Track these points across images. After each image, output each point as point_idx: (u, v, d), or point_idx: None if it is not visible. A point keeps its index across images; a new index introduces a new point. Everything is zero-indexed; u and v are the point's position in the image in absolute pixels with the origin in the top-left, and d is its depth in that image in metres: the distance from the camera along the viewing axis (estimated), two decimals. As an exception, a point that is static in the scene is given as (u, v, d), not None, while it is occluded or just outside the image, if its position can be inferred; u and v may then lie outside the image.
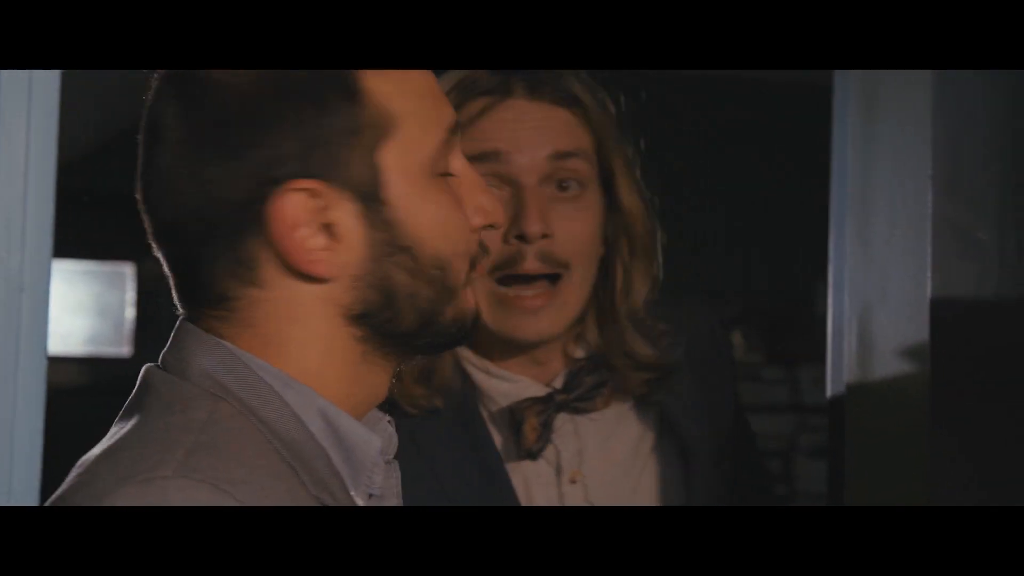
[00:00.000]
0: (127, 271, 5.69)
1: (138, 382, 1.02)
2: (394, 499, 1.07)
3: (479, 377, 1.42)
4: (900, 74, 1.45)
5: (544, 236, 1.35)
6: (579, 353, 1.46)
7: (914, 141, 1.42)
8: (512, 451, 1.41)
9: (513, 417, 1.40)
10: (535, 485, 1.41)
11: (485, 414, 1.43)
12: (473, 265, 1.05)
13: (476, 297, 1.20)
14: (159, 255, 1.03)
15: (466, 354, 1.43)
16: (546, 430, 1.40)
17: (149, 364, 1.03)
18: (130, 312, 5.72)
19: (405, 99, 1.00)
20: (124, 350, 5.68)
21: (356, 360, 1.01)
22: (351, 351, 1.01)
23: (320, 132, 0.97)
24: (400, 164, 1.00)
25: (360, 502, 1.01)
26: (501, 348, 1.42)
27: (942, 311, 1.34)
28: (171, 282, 1.03)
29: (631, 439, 1.47)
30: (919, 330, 1.37)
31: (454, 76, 1.40)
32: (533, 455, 1.40)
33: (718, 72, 4.75)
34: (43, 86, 0.72)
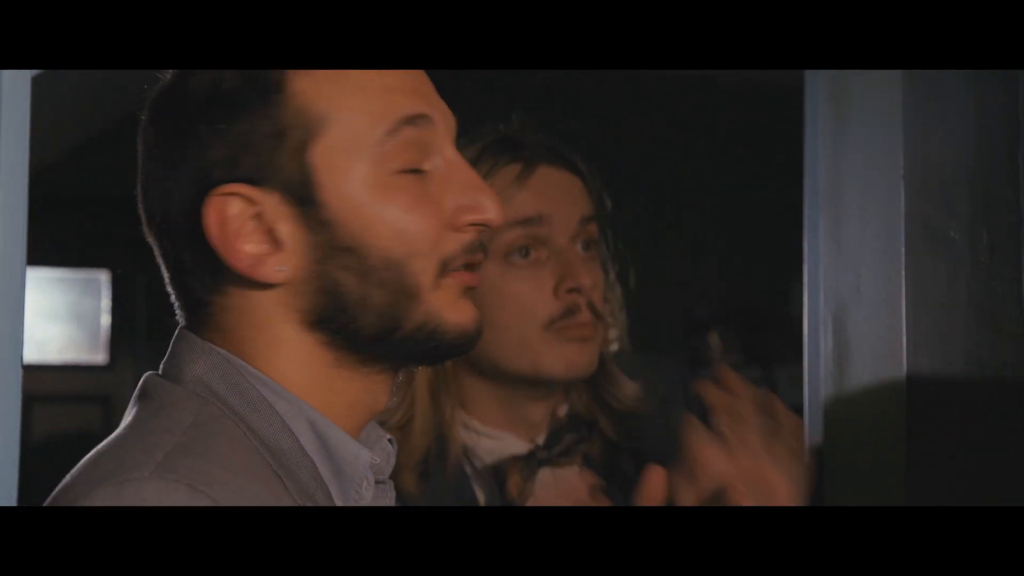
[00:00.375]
0: (102, 278, 5.66)
1: (137, 388, 1.02)
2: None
3: (463, 435, 1.47)
4: (871, 75, 1.45)
5: (594, 287, 1.44)
6: (562, 411, 1.51)
7: (885, 141, 1.42)
8: (497, 504, 1.46)
9: (496, 475, 1.45)
10: None
11: (468, 470, 1.47)
12: (447, 266, 1.01)
13: (531, 349, 1.38)
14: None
15: (458, 414, 1.48)
16: (529, 484, 1.45)
17: (149, 372, 1.03)
18: (105, 319, 5.69)
19: (336, 97, 0.98)
20: (100, 357, 5.65)
21: (327, 366, 1.00)
22: (320, 357, 1.00)
23: (245, 136, 0.96)
24: (336, 163, 0.98)
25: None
26: (491, 401, 1.47)
27: (916, 309, 1.35)
28: (170, 290, 1.04)
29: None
30: (894, 328, 1.38)
31: (477, 143, 1.47)
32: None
33: (689, 72, 4.76)
34: (13, 89, 0.71)
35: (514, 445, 1.47)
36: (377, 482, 1.04)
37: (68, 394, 5.44)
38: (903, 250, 1.37)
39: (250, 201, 0.97)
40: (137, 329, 5.66)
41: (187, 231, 0.98)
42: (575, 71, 1.46)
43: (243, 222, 0.96)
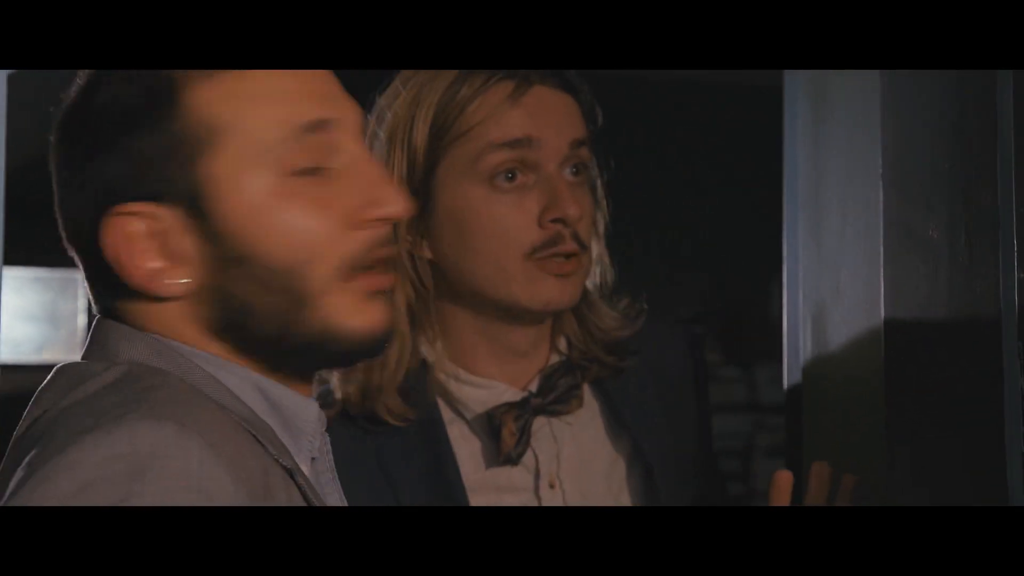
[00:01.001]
0: (78, 278, 5.63)
1: (52, 376, 1.02)
2: (327, 464, 1.09)
3: (452, 385, 1.43)
4: (849, 76, 1.46)
5: (580, 218, 1.39)
6: (562, 349, 1.48)
7: (864, 141, 1.43)
8: (492, 457, 1.42)
9: (491, 423, 1.41)
10: (508, 492, 1.42)
11: (452, 416, 1.43)
12: (351, 268, 1.00)
13: (508, 279, 1.36)
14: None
15: (440, 362, 1.44)
16: (524, 435, 1.41)
17: (65, 362, 1.04)
18: (82, 319, 5.66)
19: (230, 107, 0.97)
20: (76, 358, 5.61)
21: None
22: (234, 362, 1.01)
23: (144, 152, 0.97)
24: (230, 173, 0.97)
25: (305, 469, 1.02)
26: (477, 337, 1.43)
27: (895, 309, 1.36)
28: (88, 293, 1.06)
29: (607, 448, 1.48)
30: (873, 328, 1.38)
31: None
32: (513, 460, 1.41)
33: (668, 73, 4.77)
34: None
35: (505, 393, 1.43)
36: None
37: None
38: (882, 249, 1.37)
39: (151, 218, 0.97)
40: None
41: (94, 247, 0.99)
42: (554, 71, 1.46)
43: (143, 239, 0.97)
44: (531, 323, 1.43)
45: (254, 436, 0.97)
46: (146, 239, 0.97)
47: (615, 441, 1.48)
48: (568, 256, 1.39)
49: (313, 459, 1.05)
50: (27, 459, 0.92)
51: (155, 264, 0.98)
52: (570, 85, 1.44)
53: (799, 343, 1.52)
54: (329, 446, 1.09)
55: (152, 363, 0.98)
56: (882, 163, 1.38)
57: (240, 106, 0.97)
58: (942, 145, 1.33)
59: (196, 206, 0.97)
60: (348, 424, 1.40)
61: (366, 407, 1.39)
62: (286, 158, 0.98)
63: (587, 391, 1.49)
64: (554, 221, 1.38)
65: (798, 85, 1.55)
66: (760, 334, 5.37)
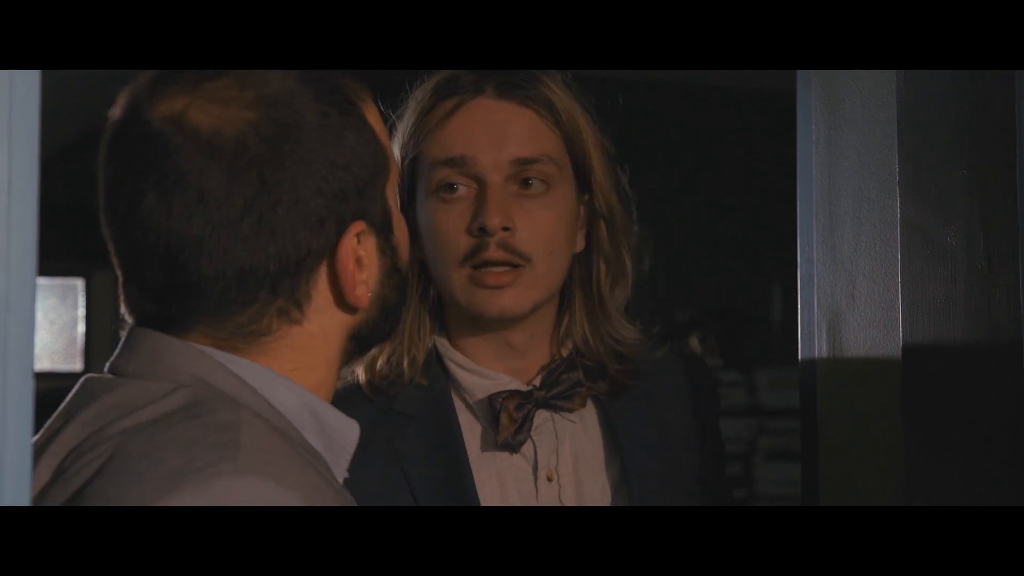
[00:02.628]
0: (78, 285, 5.62)
1: (86, 389, 1.01)
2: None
3: (459, 373, 1.47)
4: (864, 78, 1.45)
5: (505, 229, 1.42)
6: (565, 352, 1.50)
7: (880, 146, 1.42)
8: (490, 441, 1.45)
9: (492, 407, 1.44)
10: (510, 480, 1.45)
11: (462, 406, 1.47)
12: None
13: (452, 285, 1.43)
14: (148, 289, 1.01)
15: (447, 351, 1.48)
16: (526, 424, 1.44)
17: (93, 376, 1.02)
18: (82, 327, 5.65)
19: (386, 137, 1.09)
20: (76, 365, 5.61)
21: (336, 368, 1.09)
22: (340, 363, 1.09)
23: (361, 172, 1.04)
24: (393, 195, 1.09)
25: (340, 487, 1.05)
26: (476, 332, 1.47)
27: (912, 315, 1.35)
28: (152, 308, 1.02)
29: (600, 462, 1.49)
30: (890, 334, 1.38)
31: (434, 78, 1.48)
32: (512, 448, 1.44)
33: (680, 76, 4.77)
34: (24, 90, 0.69)
35: (509, 384, 1.47)
36: None
37: (45, 402, 5.39)
38: (899, 256, 1.36)
39: (366, 236, 1.05)
40: (113, 337, 5.61)
41: (297, 268, 1.00)
42: (563, 71, 1.46)
43: (360, 256, 1.05)
44: (505, 324, 1.46)
45: (312, 465, 1.00)
46: (355, 254, 1.04)
47: (608, 462, 1.50)
48: (498, 265, 1.43)
49: (346, 477, 1.08)
50: (100, 478, 0.92)
51: (360, 277, 1.05)
52: (537, 99, 1.45)
53: (814, 349, 1.51)
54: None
55: (210, 380, 0.98)
56: (898, 168, 1.38)
57: (386, 138, 1.10)
58: (959, 149, 1.32)
59: (385, 223, 1.07)
60: (366, 409, 1.43)
61: (392, 375, 1.45)
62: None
63: (590, 404, 1.49)
64: (481, 230, 1.42)
65: (812, 89, 1.54)
66: (762, 338, 5.38)
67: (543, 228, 1.44)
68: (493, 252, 1.42)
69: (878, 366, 1.40)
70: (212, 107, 0.97)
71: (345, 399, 1.34)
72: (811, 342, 1.51)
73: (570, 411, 1.47)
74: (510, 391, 1.45)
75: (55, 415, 1.01)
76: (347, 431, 1.07)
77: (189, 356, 0.99)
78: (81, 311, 5.62)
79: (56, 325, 5.59)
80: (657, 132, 4.98)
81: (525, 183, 1.44)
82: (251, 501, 0.88)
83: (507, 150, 1.43)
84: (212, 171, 0.97)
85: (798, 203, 1.55)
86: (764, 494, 4.98)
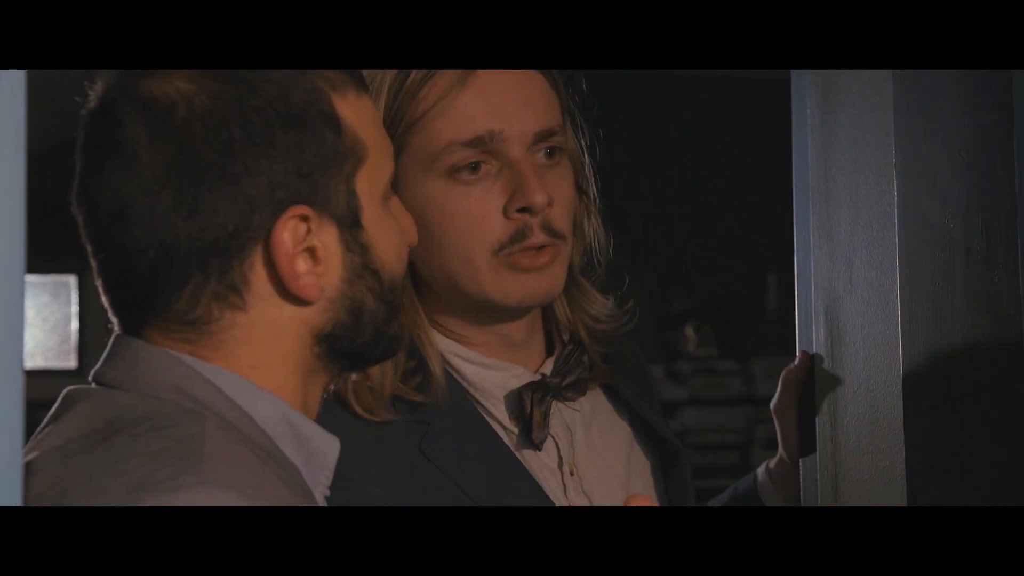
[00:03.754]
0: (71, 282, 5.61)
1: (66, 399, 1.00)
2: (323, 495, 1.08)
3: (470, 370, 1.36)
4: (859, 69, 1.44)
5: (549, 205, 1.31)
6: (567, 338, 1.42)
7: (877, 129, 1.41)
8: (516, 442, 1.36)
9: (520, 406, 1.36)
10: (545, 476, 1.37)
11: (481, 411, 1.37)
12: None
13: (479, 276, 1.31)
14: (101, 274, 1.02)
15: (452, 348, 1.37)
16: (546, 418, 1.36)
17: (75, 387, 1.01)
18: (75, 324, 5.63)
19: (369, 127, 1.04)
20: (70, 363, 5.59)
21: (307, 375, 1.04)
22: (307, 367, 1.03)
23: (310, 158, 0.99)
24: (369, 190, 1.04)
25: (321, 502, 1.02)
26: (475, 328, 1.37)
27: (911, 299, 1.34)
28: (111, 298, 1.02)
29: (618, 428, 1.46)
30: (888, 319, 1.37)
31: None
32: (538, 445, 1.36)
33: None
34: (10, 88, 0.68)
35: (524, 375, 1.37)
36: None
37: (38, 400, 5.38)
38: (896, 240, 1.35)
39: (309, 221, 0.99)
40: (107, 334, 5.60)
41: (227, 250, 0.98)
42: (562, 70, 1.43)
43: (300, 242, 0.99)
44: (520, 313, 1.37)
45: (280, 479, 0.97)
46: (303, 240, 0.99)
47: (622, 421, 1.46)
48: (539, 249, 1.32)
49: (326, 496, 1.05)
50: (60, 488, 0.91)
51: (303, 267, 0.99)
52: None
53: (812, 336, 1.50)
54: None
55: (186, 389, 0.97)
56: (895, 152, 1.37)
57: (374, 129, 1.06)
58: (956, 131, 1.31)
59: (350, 217, 1.02)
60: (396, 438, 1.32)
61: (374, 399, 1.31)
62: (390, 181, 1.08)
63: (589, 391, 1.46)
64: (521, 211, 1.30)
65: (807, 77, 1.53)
66: (757, 327, 5.37)
67: (569, 201, 1.35)
68: (538, 236, 1.31)
69: (877, 351, 1.39)
70: (161, 79, 0.97)
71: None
72: (809, 328, 1.50)
73: (574, 400, 1.41)
74: (534, 383, 1.36)
75: (40, 426, 1.00)
76: (326, 446, 1.03)
77: (165, 364, 0.98)
78: (74, 308, 5.60)
79: (49, 322, 5.57)
80: (651, 121, 4.97)
81: (548, 153, 1.33)
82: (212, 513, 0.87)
83: (531, 121, 1.31)
84: (140, 137, 0.96)
85: (794, 188, 1.54)
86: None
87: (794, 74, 1.57)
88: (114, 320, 1.03)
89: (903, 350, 1.34)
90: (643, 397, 1.51)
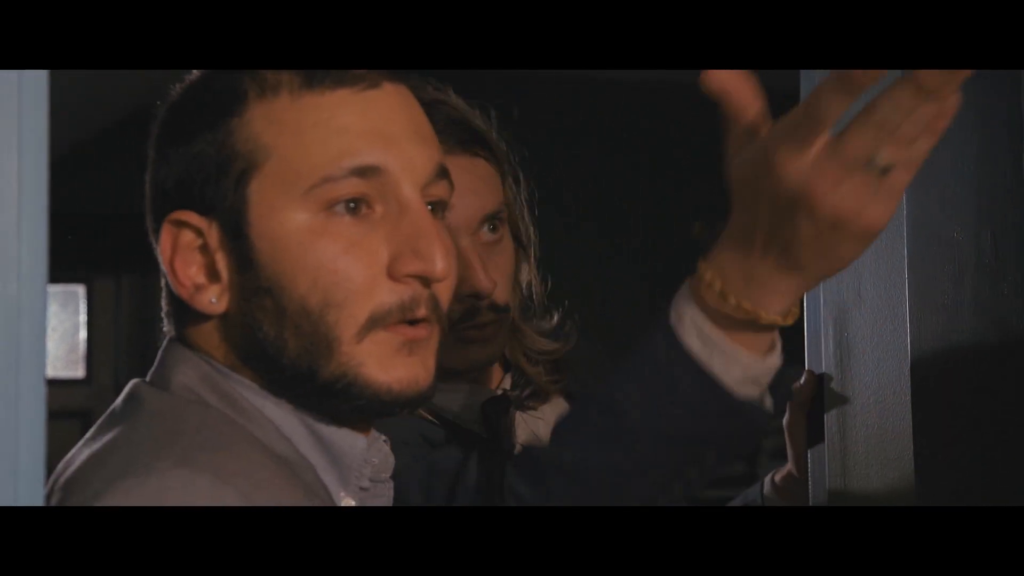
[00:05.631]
0: (79, 292, 5.62)
1: (123, 395, 1.01)
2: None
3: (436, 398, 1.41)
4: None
5: (495, 287, 1.35)
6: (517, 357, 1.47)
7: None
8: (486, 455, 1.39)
9: (484, 415, 1.39)
10: None
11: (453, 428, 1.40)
12: (381, 319, 0.94)
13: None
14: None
15: None
16: (511, 430, 1.41)
17: (137, 380, 1.03)
18: (83, 334, 5.64)
19: (287, 130, 0.93)
20: (78, 372, 5.60)
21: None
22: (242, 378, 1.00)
23: (198, 160, 0.95)
24: (269, 200, 0.93)
25: (353, 501, 0.99)
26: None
27: (920, 311, 1.34)
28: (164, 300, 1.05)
29: None
30: (897, 331, 1.37)
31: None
32: (510, 455, 1.39)
33: (681, 74, 4.76)
34: (33, 92, 0.69)
35: (485, 393, 1.41)
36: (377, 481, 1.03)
37: (48, 408, 5.38)
38: (905, 252, 1.35)
39: (198, 230, 0.95)
40: (115, 343, 5.61)
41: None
42: (563, 71, 1.44)
43: (190, 251, 0.95)
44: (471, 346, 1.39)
45: (286, 478, 0.95)
46: (194, 251, 0.96)
47: None
48: (484, 326, 1.36)
49: (364, 489, 1.01)
50: (84, 461, 0.94)
51: (199, 279, 0.96)
52: (485, 147, 1.39)
53: (821, 348, 1.50)
54: (391, 496, 1.04)
55: (197, 390, 0.97)
56: (904, 164, 1.36)
57: (295, 131, 0.93)
58: (965, 144, 1.32)
59: (235, 227, 0.94)
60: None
61: None
62: (327, 195, 0.93)
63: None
64: (469, 296, 1.33)
65: (814, 82, 1.53)
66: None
67: (509, 272, 1.40)
68: (485, 315, 1.35)
69: (886, 363, 1.39)
70: None
71: None
72: (818, 341, 1.50)
73: (536, 408, 1.45)
74: (495, 399, 1.40)
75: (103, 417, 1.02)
76: (348, 446, 0.98)
77: (186, 367, 0.99)
78: (83, 317, 5.61)
79: (58, 332, 5.58)
80: (656, 125, 4.97)
81: (492, 229, 1.38)
82: (184, 495, 0.85)
83: (478, 209, 1.36)
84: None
85: (803, 200, 1.53)
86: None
87: (803, 74, 1.57)
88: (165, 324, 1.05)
89: (912, 362, 1.34)
90: None
